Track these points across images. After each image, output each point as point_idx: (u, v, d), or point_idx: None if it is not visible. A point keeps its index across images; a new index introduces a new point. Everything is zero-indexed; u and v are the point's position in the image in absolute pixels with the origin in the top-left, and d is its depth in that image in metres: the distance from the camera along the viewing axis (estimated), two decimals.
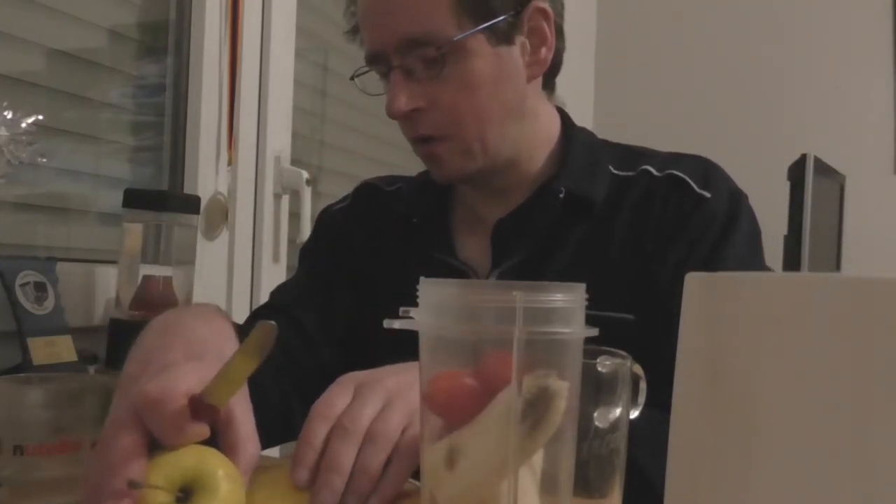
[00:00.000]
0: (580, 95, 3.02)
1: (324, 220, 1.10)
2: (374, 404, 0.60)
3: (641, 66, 3.05)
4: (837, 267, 2.52)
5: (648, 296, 0.88)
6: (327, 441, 0.59)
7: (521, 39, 0.89)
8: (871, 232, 2.63)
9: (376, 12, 0.89)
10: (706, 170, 0.94)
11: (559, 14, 0.93)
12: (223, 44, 1.52)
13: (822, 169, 2.23)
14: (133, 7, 1.47)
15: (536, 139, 0.95)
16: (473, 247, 0.97)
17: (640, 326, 0.86)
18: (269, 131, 1.64)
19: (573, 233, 0.92)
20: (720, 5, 2.96)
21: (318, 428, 0.60)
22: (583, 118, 2.94)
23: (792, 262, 2.10)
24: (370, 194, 1.08)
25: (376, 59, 0.91)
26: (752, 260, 0.91)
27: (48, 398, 0.64)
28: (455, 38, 0.85)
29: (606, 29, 3.13)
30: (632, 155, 0.97)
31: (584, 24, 3.10)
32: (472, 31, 0.85)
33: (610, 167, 0.95)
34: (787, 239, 2.15)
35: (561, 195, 0.91)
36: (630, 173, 0.94)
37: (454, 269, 0.96)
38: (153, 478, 0.54)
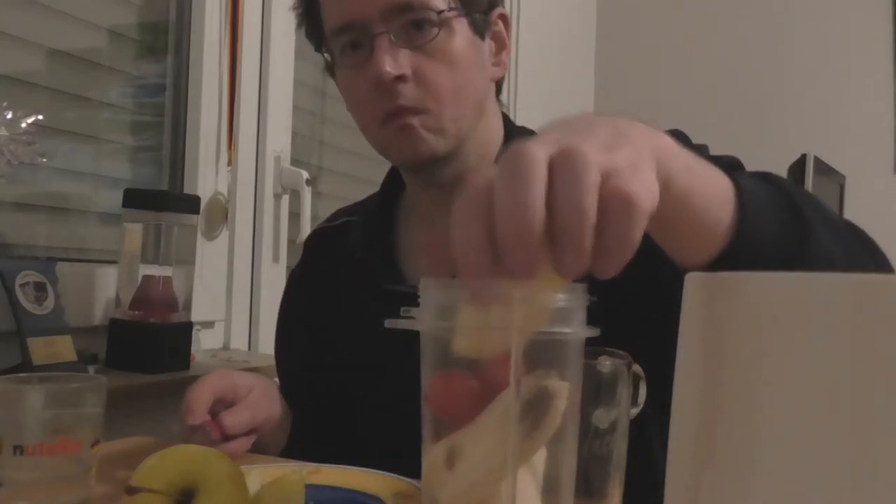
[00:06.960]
0: (580, 95, 3.01)
1: (288, 285, 1.16)
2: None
3: (641, 66, 3.05)
4: None
5: None
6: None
7: (488, 40, 0.95)
8: (871, 232, 2.60)
9: None
10: None
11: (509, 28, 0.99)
12: (223, 44, 1.52)
13: (822, 169, 2.22)
14: (133, 7, 1.47)
15: (486, 140, 0.97)
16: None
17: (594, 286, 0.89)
18: (269, 131, 1.64)
19: None
20: (720, 5, 2.96)
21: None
22: None
23: None
24: (317, 242, 1.12)
25: (351, 29, 0.89)
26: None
27: (48, 398, 0.64)
28: (447, 9, 0.88)
29: (606, 28, 3.13)
30: None
31: (585, 23, 3.10)
32: (460, 12, 0.90)
33: None
34: None
35: None
36: None
37: (407, 296, 0.97)
38: (152, 481, 0.53)
